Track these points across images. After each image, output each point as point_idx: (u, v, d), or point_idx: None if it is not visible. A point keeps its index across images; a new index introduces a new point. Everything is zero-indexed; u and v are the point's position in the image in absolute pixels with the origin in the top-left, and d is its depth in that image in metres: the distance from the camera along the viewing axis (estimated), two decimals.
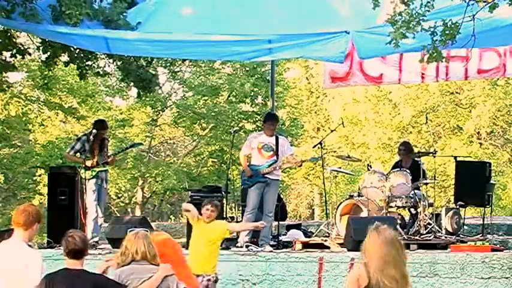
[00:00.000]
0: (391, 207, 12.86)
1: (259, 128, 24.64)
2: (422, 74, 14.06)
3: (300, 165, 13.43)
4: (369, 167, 13.34)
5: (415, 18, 8.67)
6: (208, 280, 9.38)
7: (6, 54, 14.38)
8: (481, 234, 12.97)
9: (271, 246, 12.20)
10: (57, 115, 28.76)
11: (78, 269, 6.47)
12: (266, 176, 12.38)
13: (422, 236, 12.13)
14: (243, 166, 12.71)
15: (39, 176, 28.00)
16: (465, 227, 13.63)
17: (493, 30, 9.73)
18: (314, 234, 13.36)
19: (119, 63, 15.01)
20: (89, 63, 14.72)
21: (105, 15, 11.56)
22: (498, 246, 11.99)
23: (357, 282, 5.92)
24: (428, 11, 8.74)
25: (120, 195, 33.51)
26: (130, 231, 7.90)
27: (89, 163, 12.64)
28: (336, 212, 12.92)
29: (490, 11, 8.82)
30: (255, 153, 12.56)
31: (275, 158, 12.43)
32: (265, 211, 12.34)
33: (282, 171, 13.86)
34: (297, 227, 14.01)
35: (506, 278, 10.37)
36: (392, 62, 14.02)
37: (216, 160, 31.32)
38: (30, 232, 6.92)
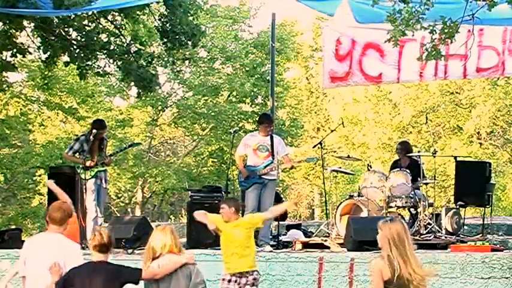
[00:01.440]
0: (391, 207, 12.83)
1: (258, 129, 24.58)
2: (421, 72, 14.00)
3: (292, 168, 13.43)
4: (369, 167, 13.33)
5: (414, 16, 8.66)
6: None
7: (7, 54, 14.41)
8: (481, 234, 12.95)
9: (271, 246, 12.18)
10: (57, 115, 28.76)
11: (101, 261, 7.23)
12: (263, 176, 12.36)
13: (422, 236, 12.11)
14: (239, 167, 12.69)
15: (39, 176, 27.99)
16: (465, 227, 13.61)
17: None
18: (314, 234, 13.34)
19: (119, 63, 15.03)
20: (89, 63, 14.75)
21: None
22: (498, 246, 11.96)
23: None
24: (428, 9, 8.73)
25: (120, 195, 33.53)
26: (157, 226, 8.38)
27: (87, 163, 12.62)
28: (336, 212, 12.90)
29: (489, 10, 8.82)
30: (251, 154, 12.53)
31: (271, 158, 12.40)
32: (263, 211, 12.31)
33: (282, 171, 13.82)
34: (297, 227, 13.99)
35: (506, 278, 10.36)
36: (391, 61, 14.00)
37: (216, 160, 31.34)
38: (64, 228, 7.52)
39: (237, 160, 12.83)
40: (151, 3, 15.07)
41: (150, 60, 15.38)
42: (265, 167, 12.35)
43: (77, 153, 12.85)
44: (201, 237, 12.16)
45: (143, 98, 21.09)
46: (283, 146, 12.76)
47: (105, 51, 14.75)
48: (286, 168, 13.60)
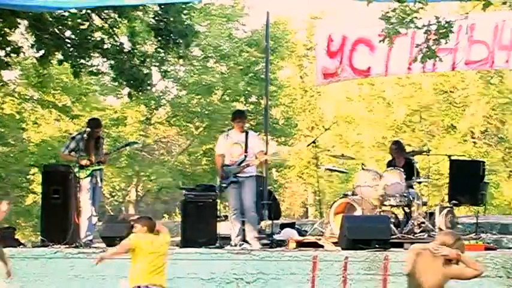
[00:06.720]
0: (385, 206, 12.84)
1: (252, 127, 24.55)
2: (409, 65, 13.90)
3: (266, 162, 13.29)
4: (363, 166, 13.35)
5: (408, 15, 8.66)
6: None
7: (0, 53, 14.39)
8: (474, 233, 12.97)
9: (265, 245, 12.15)
10: (51, 114, 28.70)
11: None
12: (238, 175, 12.22)
13: (416, 235, 12.12)
14: (217, 167, 12.59)
15: (33, 174, 27.94)
16: (459, 226, 13.61)
17: None
18: (308, 233, 13.34)
19: (112, 62, 15.02)
20: (83, 61, 14.73)
21: None
22: (492, 245, 11.99)
23: None
24: (422, 8, 8.73)
25: (114, 194, 33.50)
26: None
27: (83, 162, 12.58)
28: (330, 211, 12.90)
29: (483, 10, 8.83)
30: (226, 152, 12.35)
31: (243, 156, 12.26)
32: (245, 209, 12.19)
33: (277, 171, 13.73)
34: (291, 225, 13.98)
35: (500, 277, 10.36)
36: (380, 55, 13.94)
37: (210, 159, 31.31)
38: None
39: (216, 160, 12.73)
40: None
41: (143, 59, 15.36)
42: (239, 165, 12.21)
43: (73, 152, 12.78)
44: (196, 236, 12.14)
45: (135, 97, 21.07)
46: (257, 142, 12.53)
47: (98, 50, 14.73)
48: (259, 162, 13.26)
